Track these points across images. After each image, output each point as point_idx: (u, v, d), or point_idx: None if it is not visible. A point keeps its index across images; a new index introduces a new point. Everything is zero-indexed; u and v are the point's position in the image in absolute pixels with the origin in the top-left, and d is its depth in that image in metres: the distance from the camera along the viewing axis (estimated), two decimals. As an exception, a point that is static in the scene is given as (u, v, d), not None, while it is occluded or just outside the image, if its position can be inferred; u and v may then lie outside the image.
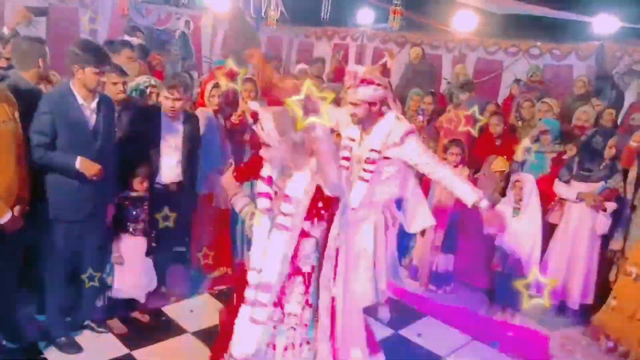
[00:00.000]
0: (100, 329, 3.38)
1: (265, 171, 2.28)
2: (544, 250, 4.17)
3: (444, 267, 4.49)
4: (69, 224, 3.00)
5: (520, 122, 5.03)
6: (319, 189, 2.20)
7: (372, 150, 3.24)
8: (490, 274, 4.30)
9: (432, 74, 7.16)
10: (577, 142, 4.26)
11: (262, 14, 8.40)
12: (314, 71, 6.72)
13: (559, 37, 8.37)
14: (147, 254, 3.45)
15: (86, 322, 3.37)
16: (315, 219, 2.23)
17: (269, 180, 2.27)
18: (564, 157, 4.34)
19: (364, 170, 3.27)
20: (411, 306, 4.21)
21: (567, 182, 4.10)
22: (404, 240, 4.82)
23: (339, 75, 7.95)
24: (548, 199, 4.22)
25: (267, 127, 2.17)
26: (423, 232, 4.53)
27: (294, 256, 2.27)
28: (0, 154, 2.63)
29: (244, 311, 2.26)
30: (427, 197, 4.51)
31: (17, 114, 2.76)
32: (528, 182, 4.10)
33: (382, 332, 3.78)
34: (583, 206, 3.99)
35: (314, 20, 9.46)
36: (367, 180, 3.26)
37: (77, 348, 3.19)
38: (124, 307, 3.51)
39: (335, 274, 2.29)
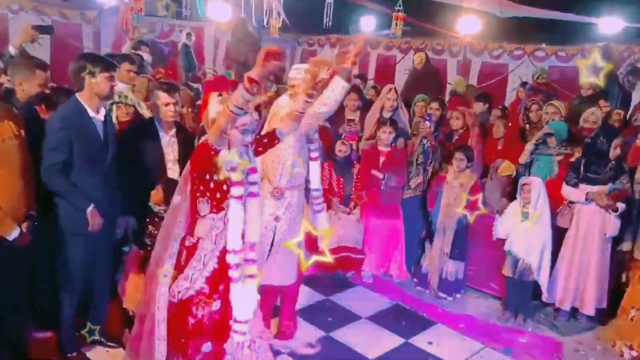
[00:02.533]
0: (110, 344, 3.37)
1: (231, 163, 2.49)
2: (554, 254, 4.12)
3: (454, 274, 4.45)
4: (84, 237, 2.98)
5: (527, 125, 4.99)
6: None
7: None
8: (501, 280, 4.25)
9: (436, 79, 7.13)
10: (583, 144, 4.22)
11: (265, 23, 8.43)
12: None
13: (564, 39, 8.35)
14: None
15: (96, 338, 3.36)
16: None
17: (254, 170, 2.61)
18: (572, 159, 4.30)
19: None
20: (421, 314, 4.17)
21: (574, 185, 4.06)
22: (414, 248, 4.80)
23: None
24: (557, 202, 4.17)
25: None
26: (432, 239, 4.50)
27: None
28: (5, 171, 2.64)
29: (238, 287, 2.54)
30: (434, 203, 4.50)
31: (22, 131, 2.77)
32: (536, 185, 4.05)
33: (393, 340, 3.75)
34: (593, 208, 3.94)
35: (317, 28, 9.49)
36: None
37: (87, 363, 3.19)
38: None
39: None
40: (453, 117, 4.98)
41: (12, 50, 3.68)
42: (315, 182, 3.45)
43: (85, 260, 3.03)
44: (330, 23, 8.73)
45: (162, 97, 3.30)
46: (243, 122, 2.47)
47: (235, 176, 2.49)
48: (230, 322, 2.62)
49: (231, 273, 2.54)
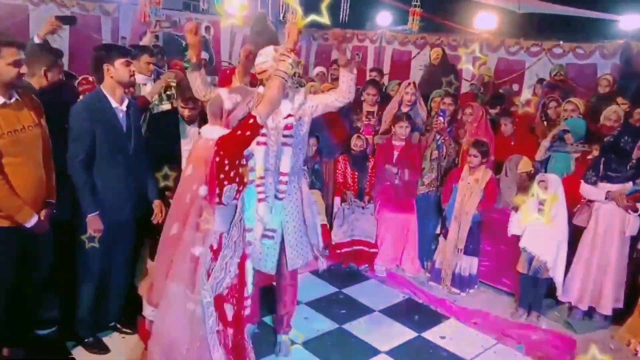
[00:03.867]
0: (126, 330, 3.42)
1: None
2: (570, 252, 4.09)
3: (467, 270, 4.45)
4: (110, 224, 3.03)
5: (545, 122, 4.95)
6: None
7: (288, 116, 3.16)
8: (515, 276, 4.23)
9: (453, 75, 7.09)
10: (603, 142, 4.17)
11: (281, 17, 8.43)
12: (332, 74, 6.71)
13: (582, 36, 8.24)
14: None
15: (113, 323, 3.42)
16: None
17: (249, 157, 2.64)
18: (589, 157, 4.26)
19: (284, 136, 3.18)
20: (434, 308, 4.18)
21: (593, 183, 4.02)
22: (427, 243, 4.79)
23: (357, 77, 7.93)
24: (573, 200, 4.14)
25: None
26: (446, 234, 4.50)
27: None
28: (26, 159, 2.67)
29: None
30: (449, 198, 4.49)
31: (43, 120, 2.81)
32: (553, 182, 4.02)
33: (406, 334, 3.76)
34: (612, 207, 3.90)
35: (332, 23, 9.47)
36: (290, 145, 3.22)
37: (104, 349, 3.24)
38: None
39: None
40: (464, 112, 4.98)
41: (36, 40, 3.74)
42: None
43: (104, 248, 3.07)
44: (347, 18, 8.72)
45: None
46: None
47: (251, 162, 2.58)
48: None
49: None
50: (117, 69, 2.94)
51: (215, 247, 2.43)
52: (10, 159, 2.60)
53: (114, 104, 2.99)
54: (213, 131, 2.38)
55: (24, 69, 2.61)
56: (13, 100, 2.62)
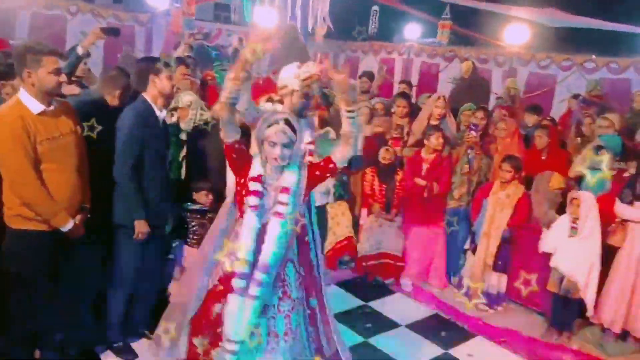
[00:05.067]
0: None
1: (256, 170, 2.47)
2: (602, 273, 3.98)
3: (496, 287, 4.37)
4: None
5: (579, 139, 4.86)
6: (311, 176, 2.52)
7: None
8: (546, 295, 4.14)
9: (483, 89, 7.04)
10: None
11: (309, 29, 8.50)
12: (361, 86, 6.72)
13: (616, 51, 8.10)
14: None
15: (141, 330, 3.45)
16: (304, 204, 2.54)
17: (260, 179, 2.46)
18: (625, 175, 4.15)
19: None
20: (462, 325, 4.11)
21: (629, 202, 3.91)
22: (455, 258, 4.73)
23: (385, 90, 7.94)
24: (608, 219, 4.03)
25: (297, 126, 2.43)
26: (474, 250, 4.43)
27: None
28: (62, 165, 2.74)
29: (233, 299, 2.41)
30: (479, 213, 4.43)
31: (78, 128, 2.88)
32: (586, 200, 3.92)
33: (432, 350, 3.71)
34: (648, 228, 3.80)
35: (362, 35, 9.52)
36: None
37: (132, 354, 3.28)
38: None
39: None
40: (497, 126, 4.92)
41: (80, 51, 3.84)
42: None
43: (137, 254, 3.12)
44: (376, 31, 8.77)
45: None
46: (269, 133, 2.40)
47: (252, 185, 2.46)
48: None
49: (233, 282, 2.42)
50: (162, 81, 3.05)
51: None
52: (48, 165, 2.66)
53: (157, 112, 3.10)
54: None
55: (63, 77, 2.68)
56: (52, 107, 2.69)
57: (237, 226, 2.56)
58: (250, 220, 2.43)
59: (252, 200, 2.44)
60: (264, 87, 4.22)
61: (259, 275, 2.40)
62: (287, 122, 2.40)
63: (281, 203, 2.43)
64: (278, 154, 2.38)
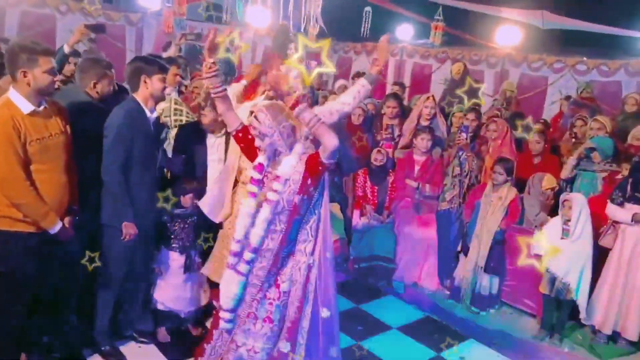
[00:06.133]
0: (142, 340, 3.42)
1: (258, 159, 2.63)
2: (594, 274, 3.98)
3: (488, 289, 4.36)
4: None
5: (574, 140, 4.87)
6: (309, 167, 2.55)
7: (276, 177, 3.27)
8: (538, 297, 4.13)
9: (474, 90, 7.04)
10: (631, 162, 4.07)
11: (302, 29, 8.47)
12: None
13: (606, 53, 8.13)
14: (185, 270, 3.44)
15: (130, 332, 3.42)
16: (305, 195, 2.58)
17: (260, 167, 2.61)
18: (617, 177, 4.16)
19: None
20: (453, 328, 4.09)
21: (620, 204, 3.92)
22: (447, 260, 4.72)
23: (377, 90, 7.93)
24: (599, 221, 4.04)
25: (261, 118, 2.52)
26: (466, 252, 4.42)
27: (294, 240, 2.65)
28: (52, 166, 2.70)
29: (227, 273, 2.66)
30: (471, 215, 4.42)
31: (68, 127, 2.84)
32: (578, 201, 3.93)
33: (424, 353, 3.69)
34: (639, 230, 3.80)
35: (354, 35, 9.50)
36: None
37: (120, 357, 3.24)
38: (173, 320, 3.53)
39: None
40: (488, 128, 4.92)
41: (66, 49, 3.79)
42: None
43: (125, 256, 3.08)
44: (368, 31, 8.74)
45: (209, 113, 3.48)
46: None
47: (252, 173, 2.63)
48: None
49: (229, 259, 2.67)
50: (153, 83, 3.00)
51: None
52: (38, 165, 2.62)
53: (148, 113, 3.05)
54: None
55: (57, 77, 2.64)
56: (42, 108, 2.65)
57: None
58: (247, 206, 2.61)
59: (251, 187, 2.62)
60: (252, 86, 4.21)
61: (247, 254, 2.59)
62: (255, 116, 2.54)
63: (273, 190, 2.56)
64: (259, 144, 2.57)
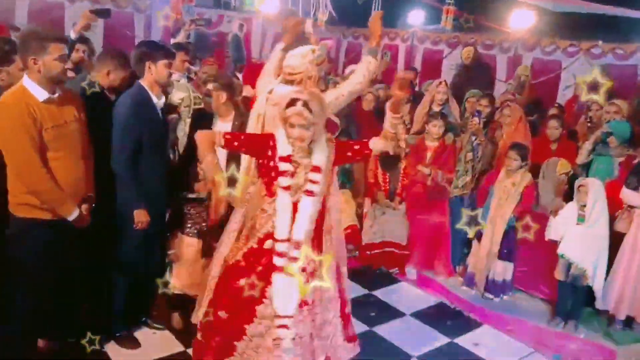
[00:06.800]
0: (156, 326, 3.44)
1: (284, 150, 2.51)
2: (611, 260, 3.94)
3: (502, 275, 4.33)
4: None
5: (590, 124, 4.79)
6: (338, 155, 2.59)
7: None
8: (552, 283, 4.10)
9: (485, 75, 6.96)
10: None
11: (311, 15, 8.39)
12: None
13: (622, 36, 7.97)
14: (203, 255, 3.45)
15: (144, 319, 3.43)
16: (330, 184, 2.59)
17: (289, 158, 2.51)
18: (635, 161, 4.09)
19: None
20: (467, 314, 4.08)
21: (634, 188, 3.86)
22: (459, 247, 4.69)
23: (388, 76, 7.85)
24: (616, 206, 3.98)
25: (315, 107, 2.43)
26: (479, 238, 4.39)
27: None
28: (67, 153, 2.70)
29: (277, 278, 2.54)
30: (484, 201, 4.38)
31: (82, 115, 2.83)
32: (593, 186, 3.88)
33: (437, 339, 3.68)
34: (654, 214, 3.75)
35: (363, 21, 9.40)
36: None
37: (135, 343, 3.26)
38: (188, 306, 3.53)
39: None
40: (502, 113, 4.85)
41: (73, 35, 3.77)
42: None
43: (141, 243, 3.08)
44: (377, 16, 8.64)
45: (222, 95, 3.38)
46: (288, 114, 2.49)
47: (283, 165, 2.51)
48: (257, 307, 2.60)
49: (275, 260, 2.55)
50: (158, 69, 2.97)
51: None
52: (54, 153, 2.62)
53: (155, 99, 3.02)
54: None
55: (68, 65, 2.62)
56: (56, 95, 2.64)
57: (264, 204, 2.60)
58: (283, 201, 2.51)
59: (283, 180, 2.50)
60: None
61: (293, 252, 2.51)
62: (305, 104, 2.41)
63: (312, 182, 2.51)
64: (297, 135, 2.45)
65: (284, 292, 2.53)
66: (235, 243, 2.74)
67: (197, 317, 2.84)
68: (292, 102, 2.43)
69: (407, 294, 4.34)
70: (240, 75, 7.46)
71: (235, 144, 2.58)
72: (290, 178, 2.51)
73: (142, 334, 3.36)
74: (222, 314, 2.65)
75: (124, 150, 2.90)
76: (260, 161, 2.61)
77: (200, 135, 2.59)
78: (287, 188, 2.51)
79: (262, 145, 2.57)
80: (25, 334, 2.79)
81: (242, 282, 2.60)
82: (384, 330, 3.73)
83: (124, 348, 3.21)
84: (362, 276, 4.44)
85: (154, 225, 3.07)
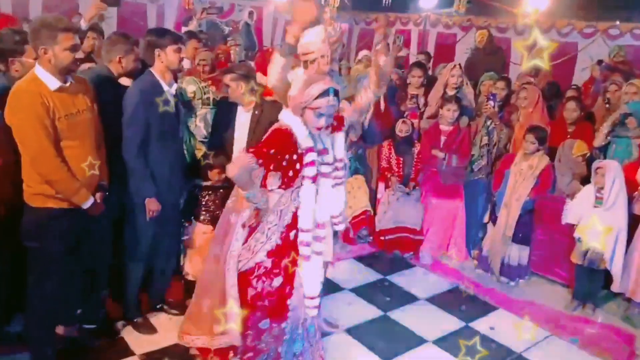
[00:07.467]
0: (172, 311, 3.47)
1: (305, 142, 2.50)
2: (629, 243, 3.88)
3: (517, 259, 4.29)
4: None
5: (607, 106, 4.69)
6: None
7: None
8: (569, 267, 4.05)
9: (499, 58, 6.84)
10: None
11: (323, 1, 8.32)
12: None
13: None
14: None
15: (160, 305, 3.47)
16: None
17: (313, 149, 2.52)
18: (654, 143, 4.01)
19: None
20: (483, 298, 4.05)
21: (653, 170, 3.79)
22: (474, 231, 4.66)
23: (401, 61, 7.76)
24: (635, 188, 3.91)
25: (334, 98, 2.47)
26: (495, 221, 4.34)
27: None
28: (81, 142, 2.70)
29: (305, 263, 2.62)
30: (500, 184, 4.33)
31: (95, 104, 2.84)
32: (611, 168, 3.80)
33: (453, 323, 3.67)
34: (673, 196, 3.67)
35: (376, 6, 9.29)
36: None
37: (151, 329, 3.29)
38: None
39: None
40: (519, 96, 4.77)
41: (83, 25, 3.78)
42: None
43: (154, 229, 3.10)
44: (390, 1, 8.53)
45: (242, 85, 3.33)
46: (318, 104, 2.44)
47: (309, 156, 2.50)
48: (288, 302, 2.66)
49: (302, 250, 2.60)
50: (168, 55, 2.96)
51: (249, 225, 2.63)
52: (67, 142, 2.63)
53: (165, 87, 3.01)
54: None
55: (79, 54, 2.62)
56: (68, 84, 2.65)
57: (283, 197, 2.59)
58: (309, 191, 2.54)
59: (309, 170, 2.51)
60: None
61: (319, 232, 2.63)
62: (336, 92, 2.44)
63: (324, 164, 2.59)
64: (323, 124, 2.46)
65: (311, 275, 2.63)
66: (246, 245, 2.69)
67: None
68: (324, 92, 2.41)
69: (421, 279, 4.32)
70: (252, 63, 7.43)
71: (270, 162, 2.47)
72: (315, 167, 2.53)
73: (158, 319, 3.40)
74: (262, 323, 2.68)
75: (133, 140, 2.91)
76: (279, 157, 2.50)
77: (234, 169, 2.45)
78: (314, 178, 2.53)
79: (288, 146, 2.48)
80: (44, 322, 2.82)
81: (276, 282, 2.64)
82: (399, 315, 3.72)
83: (140, 333, 3.25)
84: (376, 261, 4.43)
85: (166, 212, 3.08)
